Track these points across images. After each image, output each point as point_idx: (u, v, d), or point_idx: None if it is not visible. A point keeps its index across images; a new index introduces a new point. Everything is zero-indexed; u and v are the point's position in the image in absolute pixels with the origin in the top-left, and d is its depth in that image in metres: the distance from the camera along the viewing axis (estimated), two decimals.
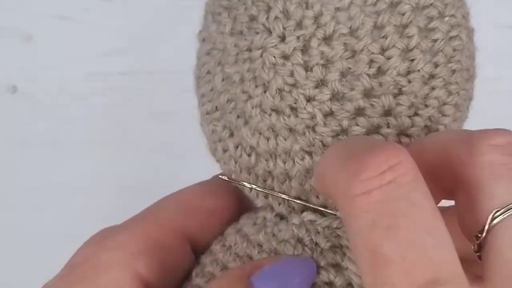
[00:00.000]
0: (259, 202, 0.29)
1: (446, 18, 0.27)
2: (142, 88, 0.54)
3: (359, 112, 0.26)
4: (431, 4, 0.26)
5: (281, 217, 0.28)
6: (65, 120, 0.55)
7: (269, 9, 0.27)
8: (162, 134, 0.53)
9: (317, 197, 0.27)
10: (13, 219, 0.56)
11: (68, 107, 0.55)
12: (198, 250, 0.30)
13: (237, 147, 0.28)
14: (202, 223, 0.30)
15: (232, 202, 0.31)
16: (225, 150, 0.29)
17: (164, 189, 0.56)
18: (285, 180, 0.27)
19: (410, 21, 0.26)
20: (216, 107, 0.29)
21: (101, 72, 0.54)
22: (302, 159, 0.27)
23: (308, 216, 0.28)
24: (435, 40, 0.26)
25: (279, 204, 0.28)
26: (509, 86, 0.54)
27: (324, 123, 0.26)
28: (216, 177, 0.31)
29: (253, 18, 0.27)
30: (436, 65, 0.26)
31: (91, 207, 0.55)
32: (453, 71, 0.27)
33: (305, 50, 0.26)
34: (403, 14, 0.26)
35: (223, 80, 0.28)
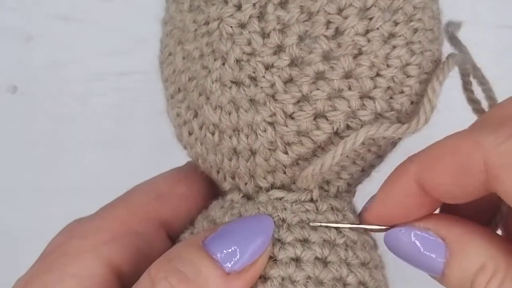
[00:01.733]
0: (227, 185, 0.28)
1: None
2: (142, 88, 0.54)
3: (319, 76, 0.25)
4: None
5: (248, 198, 0.28)
6: (65, 120, 0.55)
7: None
8: (162, 134, 0.53)
9: (284, 172, 0.27)
10: (13, 219, 0.56)
11: (68, 107, 0.55)
12: (175, 236, 0.30)
13: (201, 127, 0.27)
14: (176, 208, 0.30)
15: (205, 187, 0.30)
16: (190, 133, 0.28)
17: None
18: (250, 156, 0.27)
19: None
20: (179, 88, 0.28)
21: (101, 72, 0.54)
22: (265, 130, 0.26)
23: (275, 193, 0.27)
24: None
25: (246, 183, 0.28)
26: (510, 86, 0.54)
27: (285, 90, 0.26)
28: (189, 163, 0.31)
29: None
30: (396, 23, 0.26)
31: (91, 207, 0.55)
32: (415, 30, 0.26)
33: (261, 16, 0.26)
34: None
35: (183, 58, 0.28)
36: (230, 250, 0.25)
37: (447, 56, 0.27)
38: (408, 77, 0.26)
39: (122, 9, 0.54)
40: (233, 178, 0.28)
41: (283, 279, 0.26)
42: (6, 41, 0.55)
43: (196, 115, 0.28)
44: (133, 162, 0.55)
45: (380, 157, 0.28)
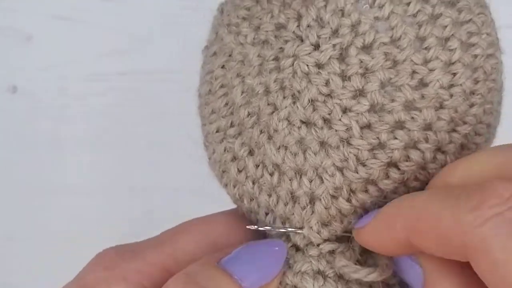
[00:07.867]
0: (275, 233, 0.28)
1: (484, 36, 0.26)
2: (142, 88, 0.54)
3: (399, 125, 0.25)
4: (470, 19, 0.26)
5: (297, 248, 0.27)
6: (65, 120, 0.55)
7: (299, 17, 0.26)
8: (162, 134, 0.53)
9: (342, 222, 0.26)
10: (13, 219, 0.56)
11: (68, 107, 0.55)
12: None
13: (258, 166, 0.27)
14: None
15: (251, 236, 0.29)
16: (240, 170, 0.27)
17: (163, 188, 0.56)
18: (307, 204, 0.26)
19: (452, 34, 0.25)
20: (232, 122, 0.27)
21: (101, 72, 0.54)
22: (332, 175, 0.25)
23: (326, 246, 0.26)
24: (475, 56, 0.26)
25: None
26: (511, 86, 0.54)
27: (361, 136, 0.25)
28: (233, 211, 0.30)
29: (280, 27, 0.26)
30: (476, 81, 0.26)
31: (91, 207, 0.55)
32: (490, 90, 0.26)
33: (341, 58, 0.25)
34: (445, 27, 0.25)
35: (243, 92, 0.27)
36: (245, 271, 0.25)
37: None
38: (477, 135, 0.26)
39: (122, 9, 0.54)
40: (283, 223, 0.27)
41: None
42: (6, 41, 0.55)
43: (251, 152, 0.27)
44: (133, 162, 0.55)
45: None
